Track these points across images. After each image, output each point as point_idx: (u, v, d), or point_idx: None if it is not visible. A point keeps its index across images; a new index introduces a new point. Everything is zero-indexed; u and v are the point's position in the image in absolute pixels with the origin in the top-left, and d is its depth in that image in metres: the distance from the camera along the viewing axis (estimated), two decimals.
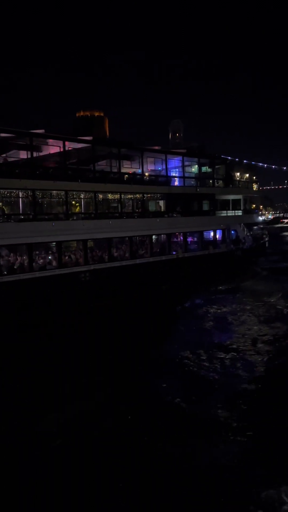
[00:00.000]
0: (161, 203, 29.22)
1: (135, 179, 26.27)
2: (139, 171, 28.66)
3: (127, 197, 27.33)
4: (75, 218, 23.04)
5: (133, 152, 26.76)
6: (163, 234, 27.83)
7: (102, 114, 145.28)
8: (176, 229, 28.55)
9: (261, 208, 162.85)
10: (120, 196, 25.17)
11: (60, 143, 22.07)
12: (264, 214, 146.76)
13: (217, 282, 29.47)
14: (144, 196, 26.72)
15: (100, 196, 25.42)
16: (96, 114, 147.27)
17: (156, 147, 28.48)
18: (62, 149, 22.06)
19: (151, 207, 30.03)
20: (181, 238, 29.44)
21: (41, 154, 24.74)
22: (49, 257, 22.87)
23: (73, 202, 24.62)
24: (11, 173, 20.42)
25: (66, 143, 22.45)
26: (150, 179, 27.77)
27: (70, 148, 23.70)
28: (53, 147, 23.25)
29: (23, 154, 24.14)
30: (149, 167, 29.61)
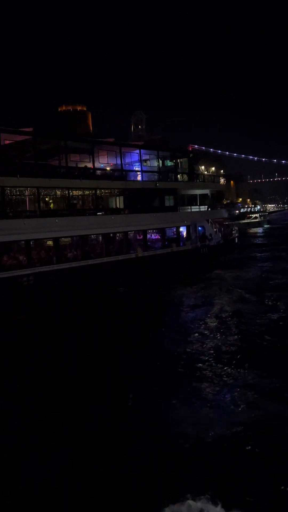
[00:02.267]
0: (119, 199, 27.50)
1: (86, 173, 24.47)
2: (102, 165, 27.05)
3: (84, 193, 25.64)
4: (10, 215, 21.12)
5: (83, 145, 24.96)
6: (119, 232, 26.11)
7: (84, 109, 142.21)
8: (134, 227, 26.82)
9: (248, 202, 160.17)
10: (68, 192, 23.40)
11: None
12: (251, 208, 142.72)
13: (178, 281, 27.84)
14: (96, 192, 24.94)
15: (58, 192, 23.70)
16: (79, 108, 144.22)
17: (110, 139, 26.66)
18: None
19: (111, 203, 28.34)
20: (141, 236, 27.75)
21: None
22: None
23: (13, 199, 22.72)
24: None
25: (4, 135, 20.72)
26: (103, 174, 25.97)
27: (10, 141, 21.92)
28: None
29: None
30: (107, 161, 27.80)
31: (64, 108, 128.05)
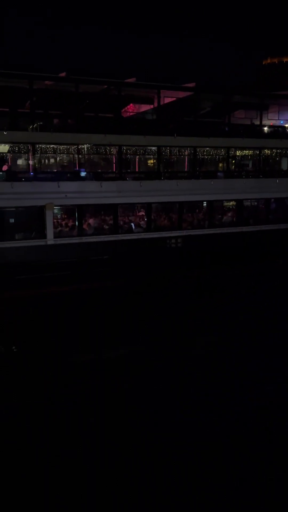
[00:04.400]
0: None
1: (251, 131, 22.20)
2: (282, 122, 24.19)
3: (248, 153, 23.56)
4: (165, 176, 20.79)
5: (251, 99, 22.55)
6: (284, 197, 23.30)
7: None
8: None
9: None
10: (228, 152, 21.75)
11: (154, 92, 19.89)
12: None
13: None
14: (261, 152, 22.50)
15: (217, 152, 22.32)
16: (285, 60, 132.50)
17: (285, 92, 23.35)
18: (156, 100, 19.88)
19: (281, 164, 25.37)
20: None
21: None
22: (140, 220, 21.45)
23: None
24: (97, 128, 19.32)
25: (163, 92, 20.14)
26: (271, 131, 23.12)
27: (171, 99, 21.29)
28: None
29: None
30: (278, 117, 24.64)
31: (269, 60, 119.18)
